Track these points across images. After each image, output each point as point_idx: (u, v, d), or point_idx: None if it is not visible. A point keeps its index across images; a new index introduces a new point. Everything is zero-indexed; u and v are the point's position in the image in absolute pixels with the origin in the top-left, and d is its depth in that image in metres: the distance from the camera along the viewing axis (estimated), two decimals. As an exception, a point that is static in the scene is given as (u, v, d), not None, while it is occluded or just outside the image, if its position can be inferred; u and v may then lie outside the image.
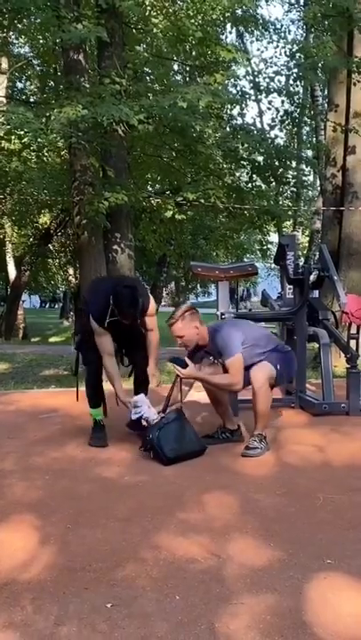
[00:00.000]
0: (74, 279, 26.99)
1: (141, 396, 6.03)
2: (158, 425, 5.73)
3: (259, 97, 18.87)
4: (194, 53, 16.44)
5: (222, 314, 7.32)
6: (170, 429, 5.70)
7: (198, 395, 6.80)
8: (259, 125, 22.47)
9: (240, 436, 6.30)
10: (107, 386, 6.40)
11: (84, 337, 6.16)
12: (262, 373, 5.89)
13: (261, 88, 15.46)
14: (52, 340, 28.71)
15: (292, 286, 8.01)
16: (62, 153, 18.65)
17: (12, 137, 13.37)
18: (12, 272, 27.96)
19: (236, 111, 16.73)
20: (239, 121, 16.64)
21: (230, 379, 5.81)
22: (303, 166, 18.82)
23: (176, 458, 5.61)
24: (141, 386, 6.34)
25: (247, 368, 5.88)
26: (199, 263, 6.63)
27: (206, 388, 6.23)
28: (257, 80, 17.29)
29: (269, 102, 17.77)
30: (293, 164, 17.08)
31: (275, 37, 18.32)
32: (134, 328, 6.07)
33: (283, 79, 15.53)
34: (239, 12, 14.91)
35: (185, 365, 5.72)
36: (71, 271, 28.04)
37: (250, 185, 16.48)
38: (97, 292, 6.13)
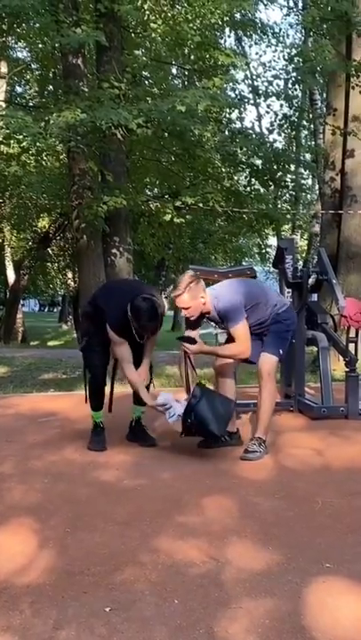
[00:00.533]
0: (73, 283, 27.06)
1: (164, 395, 6.04)
2: (190, 407, 5.74)
3: (257, 101, 18.89)
4: (192, 57, 16.47)
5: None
6: (203, 407, 5.72)
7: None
8: (257, 129, 22.48)
9: (238, 439, 6.29)
10: (116, 390, 6.45)
11: (90, 340, 6.16)
12: (268, 365, 5.99)
13: (260, 92, 15.52)
14: (50, 343, 28.75)
15: (290, 290, 8.01)
16: (61, 157, 18.70)
17: (11, 141, 13.37)
18: (11, 276, 27.99)
19: (234, 115, 16.77)
20: (238, 125, 16.66)
21: (238, 347, 5.85)
22: (302, 170, 18.90)
23: (221, 429, 5.72)
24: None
25: (256, 335, 5.98)
26: (198, 267, 6.63)
27: (219, 387, 6.26)
28: (256, 84, 17.36)
29: (268, 106, 17.75)
30: (292, 167, 17.15)
31: (273, 41, 18.40)
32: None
33: (281, 83, 15.56)
34: (238, 15, 14.96)
35: (193, 342, 5.78)
36: (70, 275, 28.11)
37: (248, 189, 16.50)
38: (114, 301, 6.04)
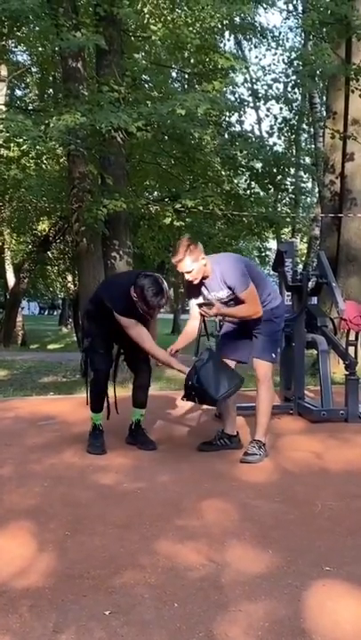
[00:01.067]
0: (73, 286, 27.03)
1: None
2: (195, 369, 5.76)
3: (257, 104, 18.90)
4: (192, 61, 16.48)
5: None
6: (207, 370, 5.74)
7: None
8: (257, 132, 22.45)
9: (238, 442, 6.30)
10: (114, 392, 6.46)
11: (93, 342, 6.14)
12: (264, 370, 6.04)
13: (260, 95, 15.52)
14: (50, 346, 28.74)
15: (290, 293, 8.02)
16: (61, 160, 18.69)
17: (11, 144, 13.38)
18: (10, 279, 28.00)
19: (234, 118, 16.74)
20: (238, 128, 16.63)
21: (251, 308, 5.87)
22: (302, 173, 18.89)
23: (221, 396, 5.72)
24: (140, 390, 6.35)
25: (245, 332, 6.09)
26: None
27: None
28: (255, 87, 17.35)
29: (268, 109, 17.79)
30: (292, 170, 17.11)
31: (273, 45, 18.40)
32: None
33: (281, 86, 15.56)
34: (237, 19, 14.95)
35: (211, 306, 5.80)
36: (70, 278, 28.09)
37: (248, 192, 16.49)
38: (116, 290, 6.07)
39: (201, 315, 5.93)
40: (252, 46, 22.99)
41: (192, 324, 6.17)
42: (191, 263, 5.80)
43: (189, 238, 5.99)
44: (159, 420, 7.51)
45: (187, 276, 5.91)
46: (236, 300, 5.86)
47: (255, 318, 5.95)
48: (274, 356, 6.14)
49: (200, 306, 5.89)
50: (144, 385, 6.36)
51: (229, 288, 5.83)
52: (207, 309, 5.81)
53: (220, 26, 14.85)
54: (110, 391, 6.34)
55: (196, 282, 5.92)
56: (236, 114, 16.31)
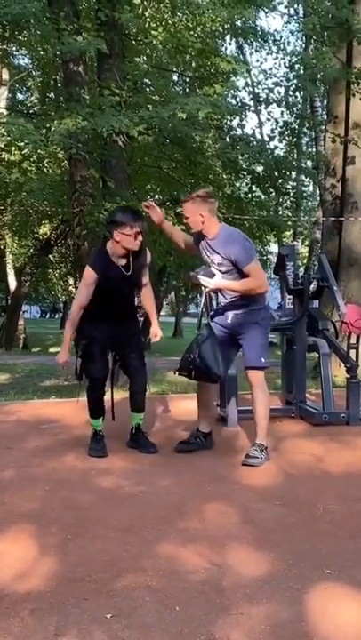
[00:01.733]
0: (74, 289, 27.04)
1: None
2: (197, 343, 5.81)
3: (258, 108, 18.92)
4: (193, 65, 16.51)
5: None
6: (208, 346, 5.79)
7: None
8: (258, 136, 22.52)
9: (212, 441, 6.39)
10: (116, 395, 6.49)
11: (89, 347, 6.13)
12: (257, 377, 6.13)
13: (261, 99, 15.54)
14: (52, 350, 28.67)
15: (291, 296, 8.02)
16: (62, 164, 18.71)
17: (13, 148, 13.40)
18: (12, 282, 28.04)
19: (235, 122, 16.75)
20: (239, 132, 16.64)
21: (255, 281, 5.92)
22: (303, 177, 18.89)
23: (221, 371, 5.82)
24: (137, 395, 6.35)
25: (230, 334, 6.09)
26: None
27: (198, 390, 6.38)
28: (256, 91, 17.37)
29: (269, 113, 17.83)
30: (293, 174, 17.14)
31: (274, 49, 18.42)
32: (129, 321, 6.19)
33: (282, 90, 15.58)
34: (239, 23, 14.98)
35: (212, 276, 5.80)
36: (71, 281, 28.16)
37: (249, 195, 16.53)
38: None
39: (194, 283, 5.95)
40: (254, 50, 23.01)
41: (184, 237, 6.46)
42: (187, 209, 6.01)
43: (208, 192, 6.19)
44: (160, 422, 7.52)
45: (185, 221, 6.15)
46: (230, 274, 5.94)
47: (243, 302, 6.01)
48: (264, 360, 6.15)
49: (198, 273, 5.89)
50: (140, 390, 6.34)
51: (229, 261, 5.88)
52: (208, 279, 5.80)
53: (221, 30, 14.88)
54: (109, 394, 6.36)
55: (192, 230, 6.11)
56: (238, 117, 16.34)
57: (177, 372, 6.05)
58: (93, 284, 5.96)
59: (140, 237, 5.97)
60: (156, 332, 6.35)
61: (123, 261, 6.01)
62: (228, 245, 5.89)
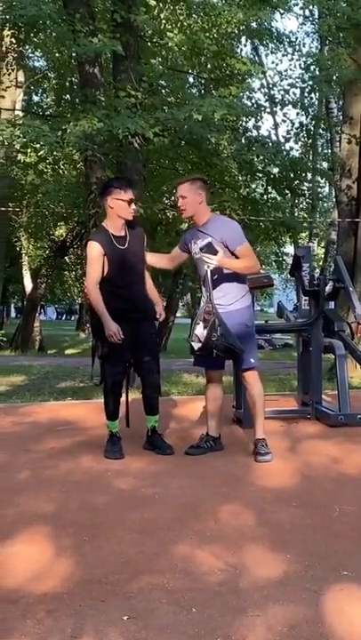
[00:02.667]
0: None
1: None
2: (215, 323, 5.83)
3: (274, 109, 18.90)
4: (209, 66, 16.49)
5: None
6: (225, 325, 5.84)
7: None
8: (274, 137, 22.49)
9: (221, 444, 6.42)
10: (131, 396, 6.52)
11: (110, 350, 6.05)
12: (252, 377, 6.21)
13: (276, 100, 15.51)
14: (68, 351, 28.78)
15: (307, 298, 8.01)
16: (78, 166, 18.74)
17: (29, 150, 13.42)
18: (28, 284, 28.09)
19: (251, 124, 16.73)
20: (254, 133, 16.62)
21: (250, 261, 6.08)
22: (318, 178, 18.86)
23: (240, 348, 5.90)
24: (150, 398, 6.36)
25: None
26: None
27: (208, 395, 6.41)
28: (272, 92, 17.34)
29: (284, 114, 17.79)
30: (309, 175, 17.11)
31: (289, 50, 18.36)
32: (145, 329, 6.19)
33: (298, 91, 15.55)
34: (254, 24, 14.94)
35: (215, 252, 5.82)
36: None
37: (265, 197, 16.51)
38: None
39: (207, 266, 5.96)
40: (269, 52, 22.94)
41: (168, 261, 6.63)
42: (187, 191, 6.03)
43: (206, 179, 6.38)
44: (176, 424, 7.52)
45: (179, 202, 6.11)
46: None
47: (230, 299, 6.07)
48: (253, 360, 6.21)
49: (202, 250, 5.92)
50: (153, 393, 6.35)
51: (222, 244, 5.93)
52: (211, 256, 5.81)
53: (236, 31, 14.86)
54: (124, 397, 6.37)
55: (184, 214, 6.16)
56: (253, 119, 16.32)
57: (197, 354, 6.08)
58: (100, 258, 6.01)
59: (133, 206, 6.08)
60: (160, 312, 6.42)
61: (120, 233, 6.11)
62: (221, 228, 6.03)
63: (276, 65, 48.08)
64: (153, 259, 6.58)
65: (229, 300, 6.02)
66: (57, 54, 17.82)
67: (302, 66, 14.50)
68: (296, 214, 18.37)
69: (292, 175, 15.54)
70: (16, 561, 3.81)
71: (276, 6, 13.32)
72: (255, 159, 15.17)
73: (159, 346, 6.39)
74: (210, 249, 5.82)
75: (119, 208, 6.01)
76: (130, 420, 6.46)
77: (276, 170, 15.76)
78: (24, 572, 3.66)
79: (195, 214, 6.08)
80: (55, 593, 3.44)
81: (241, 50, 20.91)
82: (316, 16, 18.45)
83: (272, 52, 20.30)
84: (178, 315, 25.70)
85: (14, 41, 13.73)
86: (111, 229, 6.07)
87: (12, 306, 55.65)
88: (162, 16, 14.11)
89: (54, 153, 11.88)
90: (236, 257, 6.00)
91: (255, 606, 3.29)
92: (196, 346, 5.95)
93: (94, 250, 6.01)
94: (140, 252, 6.20)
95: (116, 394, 6.19)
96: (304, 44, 22.81)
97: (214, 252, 5.79)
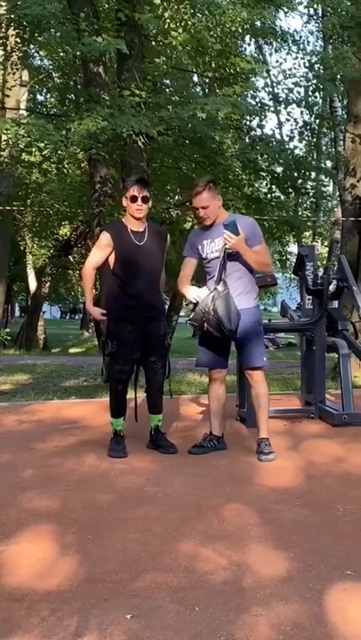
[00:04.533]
0: (94, 290, 27.12)
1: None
2: (212, 298, 5.89)
3: (278, 108, 18.87)
4: (213, 65, 16.46)
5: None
6: (222, 302, 5.87)
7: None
8: (278, 136, 22.43)
9: (224, 443, 6.43)
10: (139, 393, 6.52)
11: (117, 348, 6.07)
12: (259, 376, 6.23)
13: (280, 99, 15.48)
14: (72, 350, 28.79)
15: (311, 297, 8.01)
16: (82, 165, 18.73)
17: (33, 149, 13.42)
18: (32, 283, 28.11)
19: (255, 122, 16.70)
20: (258, 132, 16.58)
21: (266, 258, 6.23)
22: (322, 177, 18.80)
23: (231, 327, 5.88)
24: (153, 396, 6.38)
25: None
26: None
27: (212, 394, 6.43)
28: (276, 91, 17.31)
29: (288, 113, 17.79)
30: (313, 174, 17.07)
31: (294, 49, 18.35)
32: (155, 332, 6.18)
33: (302, 90, 15.52)
34: (258, 23, 14.92)
35: (237, 232, 5.85)
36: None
37: (269, 196, 16.47)
38: None
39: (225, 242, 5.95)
40: (273, 50, 22.95)
41: (186, 285, 6.39)
42: (208, 199, 6.02)
43: (212, 179, 6.39)
44: (180, 423, 7.53)
45: (200, 212, 6.10)
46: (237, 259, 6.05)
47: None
48: (261, 360, 6.24)
49: (225, 226, 5.90)
50: (156, 392, 6.37)
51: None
52: (231, 235, 5.83)
53: (240, 30, 14.84)
54: (131, 394, 6.38)
55: (207, 222, 6.11)
56: (257, 118, 16.30)
57: (189, 322, 6.21)
58: (105, 248, 6.09)
59: (139, 203, 6.10)
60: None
61: (139, 229, 6.17)
62: (242, 223, 6.03)
63: (281, 64, 48.04)
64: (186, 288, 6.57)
65: (234, 294, 6.02)
66: (61, 53, 17.81)
67: (306, 64, 14.44)
68: (300, 213, 18.30)
69: (295, 174, 15.50)
70: (20, 559, 3.82)
71: (280, 5, 13.31)
72: (259, 158, 15.12)
73: (168, 347, 6.37)
74: (233, 227, 5.85)
75: (127, 205, 6.11)
76: (137, 417, 6.47)
77: (280, 169, 15.72)
78: (28, 570, 3.67)
79: (216, 216, 6.11)
80: (59, 591, 3.44)
81: (245, 49, 20.91)
82: (320, 14, 18.42)
83: (276, 51, 20.31)
84: (181, 314, 25.65)
85: (19, 40, 13.70)
86: (129, 224, 6.14)
87: (17, 305, 55.74)
88: (166, 15, 14.08)
89: (58, 152, 11.86)
90: None
91: (258, 605, 3.30)
92: (191, 315, 6.02)
93: (102, 239, 6.15)
94: (156, 252, 6.20)
95: (121, 392, 6.21)
96: (308, 43, 22.69)
97: (237, 233, 5.83)
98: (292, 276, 9.05)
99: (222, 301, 5.82)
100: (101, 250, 6.09)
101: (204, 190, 6.02)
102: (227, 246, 5.90)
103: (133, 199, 6.04)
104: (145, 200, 6.09)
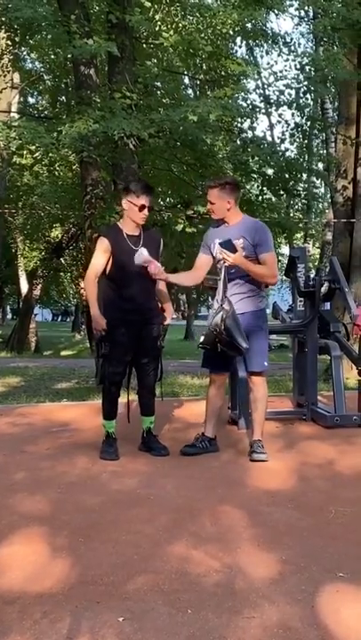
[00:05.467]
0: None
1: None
2: (221, 317, 5.85)
3: (269, 110, 18.89)
4: (204, 67, 16.47)
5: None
6: (232, 320, 5.84)
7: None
8: (269, 138, 22.45)
9: (216, 446, 6.42)
10: (132, 396, 6.54)
11: (111, 350, 6.08)
12: (260, 379, 6.26)
13: (271, 101, 15.49)
14: (63, 353, 28.75)
15: (302, 298, 8.01)
16: (74, 167, 18.73)
17: (24, 151, 13.40)
18: (24, 286, 28.08)
19: (246, 124, 16.70)
20: (249, 134, 16.59)
21: (272, 270, 6.14)
22: (314, 178, 18.82)
23: (247, 345, 5.86)
24: (145, 399, 6.38)
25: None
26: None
27: (210, 396, 6.41)
28: (267, 93, 17.33)
29: (280, 115, 17.86)
30: (304, 176, 17.08)
31: (285, 51, 18.38)
32: (149, 336, 6.17)
33: (293, 92, 15.54)
34: (249, 25, 14.92)
35: (234, 250, 5.84)
36: (83, 284, 28.15)
37: (260, 198, 16.48)
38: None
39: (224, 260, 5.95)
40: (264, 52, 22.96)
41: (195, 274, 6.41)
42: (216, 197, 6.08)
43: (237, 181, 6.52)
44: (172, 425, 7.52)
45: (208, 206, 6.30)
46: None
47: (244, 295, 6.10)
48: (266, 364, 6.29)
49: (221, 245, 5.91)
50: (147, 394, 6.40)
51: (252, 246, 5.99)
52: (228, 254, 5.83)
53: (231, 32, 14.85)
54: (124, 397, 6.39)
55: (213, 216, 6.23)
56: (248, 120, 16.31)
57: (200, 346, 6.15)
58: (105, 254, 6.08)
59: (145, 212, 6.11)
60: (168, 316, 6.46)
61: (134, 233, 6.15)
62: (255, 230, 6.08)
63: (272, 66, 48.10)
64: (179, 278, 6.62)
65: (236, 299, 6.03)
66: (52, 56, 17.80)
67: (297, 66, 14.45)
68: (291, 215, 18.30)
69: (287, 176, 15.50)
70: (12, 562, 3.81)
71: (271, 7, 13.30)
72: (250, 160, 15.13)
73: (160, 350, 6.38)
74: (229, 246, 5.84)
75: (131, 211, 6.09)
76: (129, 418, 6.47)
77: (271, 171, 15.72)
78: (20, 573, 3.66)
79: (225, 217, 6.13)
80: (51, 594, 3.44)
81: (236, 51, 20.91)
82: (312, 16, 18.45)
83: (267, 53, 20.34)
84: (173, 316, 25.66)
85: (10, 43, 13.70)
86: (125, 228, 6.14)
87: (9, 307, 55.71)
88: (157, 17, 14.08)
89: (50, 154, 11.89)
90: (258, 263, 6.03)
91: (251, 607, 3.30)
92: (202, 338, 6.02)
93: (101, 245, 6.13)
94: (151, 255, 6.19)
95: (114, 394, 6.22)
96: (299, 45, 22.73)
97: (233, 250, 5.82)
98: (284, 277, 9.05)
99: (232, 320, 5.81)
100: (101, 256, 6.09)
101: (215, 187, 6.11)
102: (225, 264, 5.91)
103: (142, 208, 6.05)
104: (150, 208, 6.13)
